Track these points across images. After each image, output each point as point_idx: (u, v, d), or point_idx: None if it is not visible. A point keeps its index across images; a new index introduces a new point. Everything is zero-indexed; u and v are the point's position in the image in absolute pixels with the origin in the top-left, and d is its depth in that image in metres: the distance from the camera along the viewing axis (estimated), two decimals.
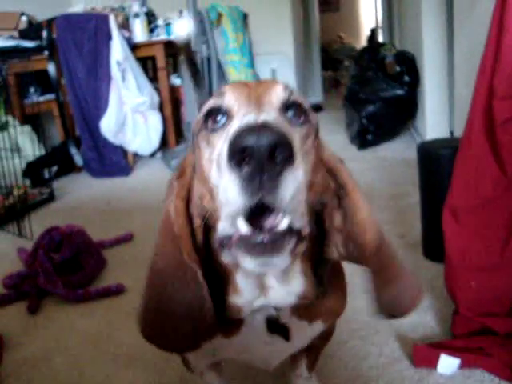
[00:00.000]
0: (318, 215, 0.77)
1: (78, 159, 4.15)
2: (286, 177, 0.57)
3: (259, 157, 0.55)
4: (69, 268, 2.07)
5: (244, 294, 0.79)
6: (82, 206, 3.26)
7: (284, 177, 0.57)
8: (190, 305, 0.77)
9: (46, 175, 3.76)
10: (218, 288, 0.80)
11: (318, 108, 6.51)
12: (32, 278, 1.99)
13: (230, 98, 0.72)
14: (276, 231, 0.60)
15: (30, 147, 3.95)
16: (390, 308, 0.86)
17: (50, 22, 4.03)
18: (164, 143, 4.37)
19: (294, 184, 0.58)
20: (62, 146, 4.24)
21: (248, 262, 0.62)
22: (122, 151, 4.13)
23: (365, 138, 4.05)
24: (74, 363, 1.56)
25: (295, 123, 0.72)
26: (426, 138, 3.64)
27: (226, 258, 0.69)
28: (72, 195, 3.57)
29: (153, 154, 4.32)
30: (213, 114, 0.73)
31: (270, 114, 0.64)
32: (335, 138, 4.60)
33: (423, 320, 1.59)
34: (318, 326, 0.94)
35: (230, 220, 0.61)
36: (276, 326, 0.87)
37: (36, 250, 2.10)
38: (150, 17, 4.40)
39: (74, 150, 4.14)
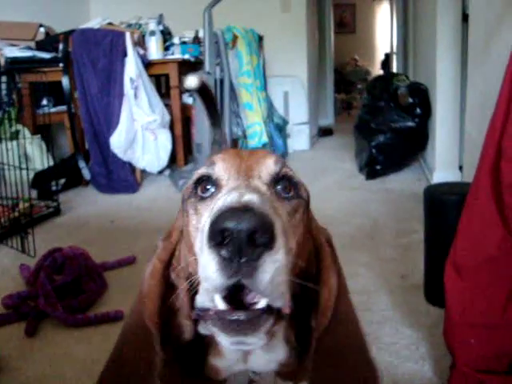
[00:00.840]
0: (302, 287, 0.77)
1: (86, 173, 4.17)
2: (265, 261, 0.56)
3: (238, 240, 0.55)
4: (70, 291, 2.07)
5: (225, 358, 0.79)
6: (87, 223, 3.27)
7: (263, 261, 0.56)
8: (140, 370, 0.77)
9: (54, 187, 3.79)
10: (200, 346, 0.80)
11: (328, 132, 6.53)
12: (32, 300, 1.99)
13: (219, 169, 0.72)
14: (253, 310, 0.60)
15: (39, 157, 3.98)
16: None
17: (66, 35, 4.08)
18: (173, 161, 4.39)
19: (272, 268, 0.57)
20: (71, 158, 4.27)
21: (223, 339, 0.62)
22: (131, 168, 4.15)
23: (373, 167, 4.05)
24: None
25: (284, 197, 0.72)
26: (436, 172, 3.64)
27: (202, 330, 0.69)
28: (78, 210, 3.58)
29: (161, 172, 4.34)
30: (202, 182, 0.73)
31: (256, 193, 0.63)
32: (344, 165, 4.61)
33: (421, 369, 1.58)
34: None
35: (208, 295, 0.61)
36: None
37: (38, 271, 2.11)
38: (166, 35, 4.44)
39: (82, 164, 4.16)
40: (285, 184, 0.73)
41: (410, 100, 4.04)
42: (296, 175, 0.76)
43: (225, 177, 0.71)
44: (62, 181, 4.07)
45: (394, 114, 4.06)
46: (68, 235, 3.00)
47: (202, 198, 0.72)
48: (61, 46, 4.10)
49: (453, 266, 1.40)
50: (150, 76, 4.16)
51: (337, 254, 0.82)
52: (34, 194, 3.52)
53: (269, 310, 0.61)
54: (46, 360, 1.73)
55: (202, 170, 0.74)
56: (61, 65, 4.09)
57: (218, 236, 0.55)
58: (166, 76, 4.52)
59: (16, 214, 2.99)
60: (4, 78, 3.75)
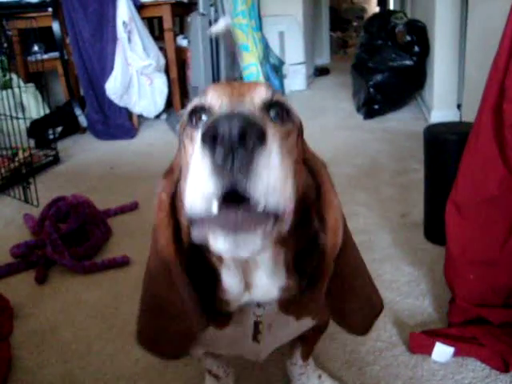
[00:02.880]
0: (303, 211, 0.78)
1: (83, 120, 4.14)
2: (259, 160, 0.56)
3: (229, 142, 0.54)
4: (75, 238, 2.11)
5: (230, 289, 0.81)
6: (87, 171, 3.28)
7: (256, 160, 0.56)
8: (177, 304, 0.79)
9: (51, 136, 3.77)
10: (208, 283, 0.82)
11: (325, 71, 6.44)
12: (40, 248, 2.03)
13: (212, 97, 0.73)
14: (248, 211, 0.58)
15: (35, 106, 3.95)
16: (338, 321, 0.89)
17: None
18: (169, 105, 4.35)
19: (266, 167, 0.56)
20: (67, 105, 4.23)
21: (219, 242, 0.59)
22: (127, 113, 4.12)
23: (371, 107, 4.02)
24: (81, 337, 1.60)
25: (277, 122, 0.73)
26: (433, 110, 3.63)
27: (195, 234, 0.64)
28: (76, 158, 3.58)
29: (158, 116, 4.31)
30: (196, 112, 0.74)
31: (248, 109, 0.64)
32: (341, 105, 4.57)
33: (421, 305, 1.63)
34: (307, 323, 0.97)
35: (203, 202, 0.58)
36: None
37: (43, 220, 2.13)
38: None
39: (78, 111, 4.13)
40: (277, 110, 0.74)
41: (408, 38, 3.98)
42: (288, 102, 0.76)
43: (217, 104, 0.72)
44: (59, 129, 4.05)
45: (391, 52, 4.00)
46: (69, 183, 3.01)
47: (197, 126, 0.73)
48: None
49: (454, 205, 1.42)
50: (143, 19, 4.07)
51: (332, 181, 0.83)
52: (32, 143, 3.50)
53: (265, 214, 0.59)
54: (58, 306, 1.78)
55: (195, 101, 0.75)
56: (50, 9, 3.98)
57: (211, 139, 0.55)
58: (159, 18, 4.42)
59: (16, 163, 2.99)
60: None
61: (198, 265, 0.81)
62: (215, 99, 0.72)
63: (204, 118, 0.73)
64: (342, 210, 0.80)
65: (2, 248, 2.14)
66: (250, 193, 0.56)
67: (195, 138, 0.71)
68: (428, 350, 1.39)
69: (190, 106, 0.76)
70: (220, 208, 0.57)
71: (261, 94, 0.73)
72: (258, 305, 0.87)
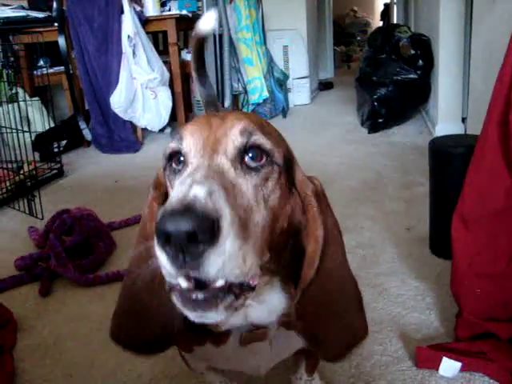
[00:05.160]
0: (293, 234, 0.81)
1: (87, 134, 4.16)
2: (209, 256, 0.59)
3: (178, 241, 0.58)
4: (79, 251, 2.10)
5: None
6: (91, 184, 3.28)
7: (206, 256, 0.59)
8: (160, 311, 0.81)
9: (55, 149, 3.79)
10: None
11: (329, 85, 6.46)
12: (44, 261, 2.02)
13: (187, 144, 0.74)
14: (212, 288, 0.63)
15: (40, 120, 3.97)
16: (311, 346, 0.87)
17: None
18: (174, 119, 4.37)
19: (218, 260, 0.60)
20: (71, 119, 4.25)
21: (186, 313, 0.65)
22: (132, 127, 4.13)
23: (376, 121, 4.03)
24: (85, 350, 1.59)
25: (253, 168, 0.73)
26: (438, 124, 3.63)
27: (173, 300, 0.70)
28: (81, 171, 3.59)
29: (162, 130, 4.32)
30: (175, 156, 0.77)
31: (208, 181, 0.65)
32: (346, 119, 4.58)
33: (427, 319, 1.62)
34: None
35: (168, 277, 0.64)
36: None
37: (47, 233, 2.13)
38: None
39: (83, 125, 4.15)
40: (254, 153, 0.74)
41: (412, 51, 3.99)
42: (268, 141, 0.75)
43: (191, 153, 0.73)
44: (64, 142, 4.07)
45: (395, 66, 4.01)
46: (73, 196, 3.01)
47: (175, 172, 0.77)
48: (54, 5, 4.02)
49: (460, 218, 1.41)
50: (148, 33, 4.10)
51: (327, 204, 0.83)
52: (37, 156, 3.51)
53: (230, 286, 0.64)
54: (62, 320, 1.77)
55: (172, 145, 0.77)
56: (55, 24, 4.02)
57: (163, 237, 0.59)
58: (164, 33, 4.45)
59: (21, 176, 3.00)
60: None
61: None
62: (190, 146, 0.74)
63: (181, 163, 0.75)
64: (325, 237, 0.79)
65: (7, 260, 2.14)
66: (206, 279, 0.61)
67: (173, 183, 0.76)
68: (435, 365, 1.38)
69: (168, 149, 0.78)
70: (186, 280, 0.63)
71: (236, 141, 0.73)
72: (254, 326, 0.86)
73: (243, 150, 0.73)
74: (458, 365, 1.36)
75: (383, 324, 1.60)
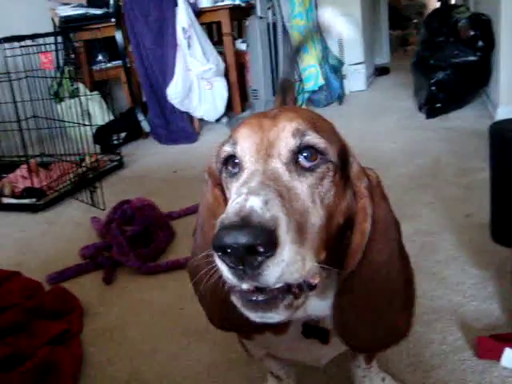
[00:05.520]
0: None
1: (146, 125, 4.26)
2: (268, 266, 0.60)
3: (237, 254, 0.59)
4: (140, 241, 2.17)
5: None
6: (150, 174, 3.37)
7: (265, 266, 0.60)
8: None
9: (115, 141, 3.90)
10: None
11: (385, 70, 6.34)
12: (107, 250, 2.10)
13: (241, 149, 0.76)
14: (271, 290, 0.65)
15: (100, 113, 4.09)
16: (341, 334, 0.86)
17: None
18: (229, 108, 4.40)
19: (277, 269, 0.61)
20: (130, 111, 4.36)
21: (247, 313, 0.67)
22: (188, 117, 4.20)
23: (434, 106, 3.92)
24: (147, 335, 1.65)
25: (308, 168, 0.74)
26: (500, 107, 3.50)
27: (233, 300, 0.72)
28: (140, 162, 3.69)
29: (218, 120, 4.36)
30: (230, 158, 0.79)
31: (264, 188, 0.65)
32: (402, 104, 4.49)
33: (488, 308, 1.58)
34: None
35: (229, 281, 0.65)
36: (313, 331, 0.91)
37: (109, 223, 2.21)
38: None
39: (141, 117, 4.25)
40: (309, 153, 0.74)
41: (472, 33, 3.85)
42: (321, 139, 0.75)
43: (245, 158, 0.75)
44: (123, 134, 4.18)
45: (454, 48, 3.88)
46: (133, 187, 3.10)
47: (231, 174, 0.78)
48: (111, 1, 4.12)
49: None
50: (202, 24, 4.14)
51: (383, 196, 0.82)
52: (98, 148, 3.64)
53: (289, 288, 0.66)
54: (125, 307, 1.84)
55: (227, 148, 0.78)
56: (113, 20, 4.13)
57: (221, 249, 0.61)
58: (218, 23, 4.48)
59: (83, 169, 3.11)
60: (60, 38, 3.82)
61: None
62: (244, 151, 0.75)
63: (236, 167, 0.77)
64: (373, 231, 0.79)
65: (72, 249, 2.23)
66: (266, 286, 0.63)
67: (230, 186, 0.78)
68: (496, 356, 1.34)
69: (223, 153, 0.79)
70: (246, 286, 0.64)
71: (288, 144, 0.74)
72: (315, 319, 0.88)
73: (297, 152, 0.74)
74: None
75: (442, 313, 1.58)
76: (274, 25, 4.12)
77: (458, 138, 3.34)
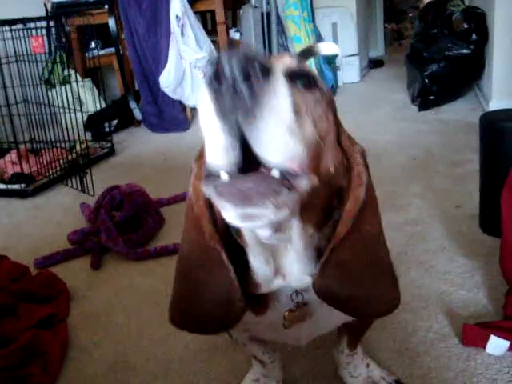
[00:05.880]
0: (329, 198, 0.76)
1: (138, 113, 4.24)
2: (264, 98, 0.52)
3: (231, 75, 0.52)
4: (129, 226, 2.16)
5: (257, 272, 0.79)
6: (141, 162, 3.35)
7: (261, 97, 0.52)
8: (218, 289, 0.79)
9: (107, 129, 3.88)
10: (240, 267, 0.80)
11: (379, 63, 6.33)
12: (95, 235, 2.09)
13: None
14: (262, 174, 0.56)
15: (92, 101, 4.06)
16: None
17: None
18: None
19: (272, 114, 0.53)
20: (122, 99, 4.33)
21: (228, 211, 0.56)
22: (181, 106, 4.18)
23: (426, 98, 3.92)
24: (134, 320, 1.65)
25: (303, 89, 0.69)
26: (492, 101, 3.51)
27: (206, 191, 0.60)
28: (131, 150, 3.67)
29: None
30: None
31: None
32: (396, 97, 4.49)
33: (475, 297, 1.58)
34: None
35: (216, 155, 0.57)
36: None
37: (98, 208, 2.20)
38: None
39: (133, 104, 4.23)
40: (304, 80, 0.69)
41: (466, 25, 3.84)
42: (315, 73, 0.73)
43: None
44: (115, 122, 4.16)
45: (447, 41, 3.88)
46: (123, 174, 3.08)
47: None
48: None
49: (509, 192, 1.37)
50: (196, 13, 4.11)
51: (369, 171, 0.80)
52: (89, 135, 3.62)
53: (280, 181, 0.56)
54: (111, 291, 1.83)
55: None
56: (106, 6, 4.09)
57: (214, 77, 0.53)
58: (212, 12, 4.46)
59: (74, 155, 3.09)
60: (52, 23, 3.78)
61: (230, 249, 0.80)
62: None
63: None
64: (364, 201, 0.76)
65: (60, 234, 2.22)
66: (258, 147, 0.54)
67: None
68: (482, 343, 1.35)
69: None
70: (229, 175, 0.56)
71: (285, 61, 0.70)
72: (297, 292, 0.86)
73: (294, 75, 0.68)
74: (506, 343, 1.33)
75: (429, 301, 1.58)
76: (268, 14, 4.10)
77: (449, 131, 3.35)
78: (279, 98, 0.54)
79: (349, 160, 0.78)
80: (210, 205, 0.78)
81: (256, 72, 0.52)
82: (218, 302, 0.80)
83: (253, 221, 0.56)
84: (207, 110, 0.54)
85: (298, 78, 0.69)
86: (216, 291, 0.80)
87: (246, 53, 0.52)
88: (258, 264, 0.79)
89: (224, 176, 0.56)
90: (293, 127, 0.56)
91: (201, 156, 0.82)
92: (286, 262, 0.78)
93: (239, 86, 0.51)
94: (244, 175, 0.56)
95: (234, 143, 0.54)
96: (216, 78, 0.53)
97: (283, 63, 0.69)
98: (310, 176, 0.62)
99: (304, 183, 0.60)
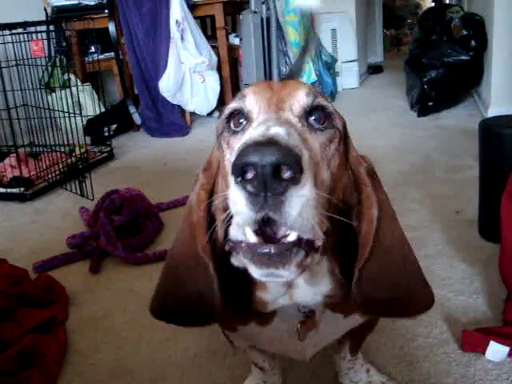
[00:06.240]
0: (347, 213, 0.78)
1: (137, 118, 4.24)
2: (291, 195, 0.56)
3: (262, 175, 0.54)
4: (128, 231, 2.16)
5: (270, 291, 0.80)
6: (140, 166, 3.35)
7: (289, 195, 0.56)
8: (200, 292, 0.80)
9: (106, 133, 3.88)
10: (245, 280, 0.80)
11: (378, 69, 6.35)
12: (94, 240, 2.09)
13: (250, 102, 0.72)
14: (284, 243, 0.60)
15: (91, 105, 4.06)
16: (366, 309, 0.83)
17: None
18: (222, 103, 4.39)
19: (299, 202, 0.56)
20: (121, 104, 4.34)
21: (254, 272, 0.62)
22: (180, 111, 4.18)
23: (425, 104, 3.93)
24: (133, 324, 1.64)
25: (317, 129, 0.71)
26: (491, 107, 3.52)
27: (234, 262, 0.69)
28: (130, 155, 3.67)
29: (210, 114, 4.35)
30: (234, 116, 0.74)
31: (284, 125, 0.62)
32: (395, 102, 4.50)
33: (474, 303, 1.58)
34: (355, 319, 0.94)
35: (240, 228, 0.61)
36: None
37: (97, 212, 2.20)
38: None
39: (132, 109, 4.23)
40: (318, 115, 0.72)
41: (465, 32, 3.86)
42: (331, 105, 0.74)
43: (255, 110, 0.71)
44: (114, 126, 4.16)
45: (447, 47, 3.90)
46: (123, 179, 3.09)
47: (234, 132, 0.73)
48: None
49: (510, 197, 1.38)
50: (195, 18, 4.12)
51: (379, 182, 0.81)
52: (88, 140, 3.62)
53: (299, 243, 0.61)
54: (110, 295, 1.83)
55: (233, 104, 0.74)
56: (106, 11, 4.10)
57: (243, 171, 0.55)
58: (212, 17, 4.47)
59: (73, 159, 3.09)
60: (52, 27, 3.79)
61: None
62: (253, 104, 0.72)
63: (243, 122, 0.72)
64: (380, 217, 0.77)
65: (59, 239, 2.21)
66: (283, 224, 0.58)
67: (232, 144, 0.73)
68: (481, 349, 1.35)
69: (227, 109, 0.75)
70: (256, 235, 0.60)
71: (301, 100, 0.72)
72: (301, 307, 0.86)
73: (308, 111, 0.71)
74: (506, 349, 1.33)
75: None
76: (268, 20, 4.10)
77: (448, 137, 3.35)
78: (306, 194, 0.58)
79: (356, 179, 0.79)
80: (209, 217, 0.79)
81: (286, 175, 0.55)
82: (198, 303, 0.81)
83: (276, 277, 0.62)
84: (236, 193, 0.58)
85: (314, 113, 0.72)
86: (197, 294, 0.81)
87: (277, 150, 0.54)
88: (273, 284, 0.79)
89: (252, 239, 0.61)
90: (315, 208, 0.60)
91: (208, 167, 0.84)
92: (297, 283, 0.79)
93: (270, 184, 0.55)
94: (265, 243, 0.61)
95: (256, 218, 0.58)
96: (244, 170, 0.56)
97: (300, 103, 0.71)
98: (324, 221, 0.65)
99: (320, 242, 0.64)
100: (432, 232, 2.05)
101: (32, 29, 2.98)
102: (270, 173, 0.54)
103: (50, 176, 2.98)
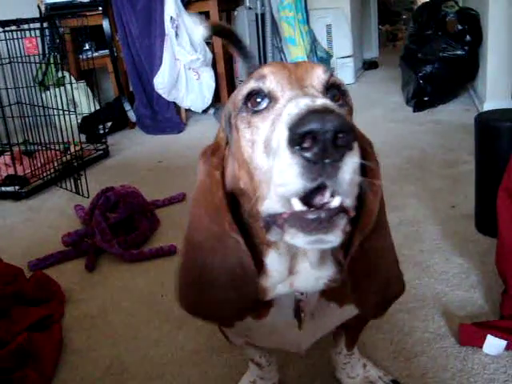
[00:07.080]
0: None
1: (132, 115, 4.23)
2: (347, 161, 0.57)
3: (324, 141, 0.54)
4: (123, 228, 2.15)
5: (272, 276, 0.79)
6: (135, 164, 3.34)
7: (345, 161, 0.57)
8: (233, 275, 0.78)
9: (101, 131, 3.87)
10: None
11: (373, 64, 6.35)
12: (90, 237, 2.08)
13: (271, 81, 0.71)
14: (330, 208, 0.59)
15: (86, 103, 4.05)
16: (355, 300, 0.84)
17: None
18: (217, 99, 4.38)
19: (352, 168, 0.58)
20: (116, 101, 4.32)
21: (301, 240, 0.61)
22: (175, 108, 4.17)
23: (421, 99, 3.93)
24: (129, 322, 1.64)
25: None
26: (486, 102, 3.52)
27: (272, 236, 0.68)
28: (125, 152, 3.66)
29: (205, 110, 4.34)
30: (253, 96, 0.72)
31: (321, 97, 0.63)
32: (390, 98, 4.50)
33: (471, 297, 1.58)
34: (350, 310, 0.93)
35: (282, 200, 0.60)
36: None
37: (92, 210, 2.19)
38: None
39: (127, 106, 4.22)
40: (334, 92, 0.74)
41: (460, 27, 3.86)
42: (343, 82, 0.76)
43: (278, 88, 0.71)
44: (109, 124, 4.15)
45: (442, 42, 3.90)
46: (118, 176, 3.07)
47: (256, 112, 0.71)
48: None
49: (506, 192, 1.37)
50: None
51: (379, 165, 0.83)
52: (83, 138, 3.60)
53: (341, 210, 0.61)
54: (106, 292, 1.82)
55: (251, 84, 0.73)
56: (100, 8, 4.08)
57: (301, 138, 0.55)
58: (206, 14, 4.45)
59: (68, 157, 3.08)
60: (45, 24, 3.77)
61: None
62: (274, 83, 0.71)
63: (263, 102, 0.71)
64: (382, 190, 0.79)
65: (55, 236, 2.21)
66: (336, 191, 0.58)
67: (255, 123, 0.71)
68: (478, 343, 1.35)
69: (245, 89, 0.73)
70: (302, 207, 0.59)
71: (320, 77, 0.72)
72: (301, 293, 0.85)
73: (326, 88, 0.73)
74: (503, 343, 1.32)
75: (426, 301, 1.58)
76: (263, 16, 4.09)
77: (444, 131, 3.35)
78: (355, 162, 0.58)
79: (363, 154, 0.76)
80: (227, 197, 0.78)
81: (344, 143, 0.56)
82: (232, 285, 0.79)
83: (323, 244, 0.61)
84: (289, 162, 0.57)
85: (330, 90, 0.73)
86: (231, 278, 0.78)
87: (336, 119, 0.55)
88: (277, 265, 0.78)
89: (298, 205, 0.60)
90: (357, 178, 0.60)
91: (217, 149, 0.83)
92: (301, 266, 0.78)
93: (330, 152, 0.55)
94: (312, 209, 0.60)
95: (309, 188, 0.58)
96: (303, 138, 0.55)
97: (319, 81, 0.72)
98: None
99: (353, 210, 0.64)
100: (428, 226, 2.05)
101: (25, 26, 2.96)
102: (331, 139, 0.54)
103: (44, 174, 2.97)
